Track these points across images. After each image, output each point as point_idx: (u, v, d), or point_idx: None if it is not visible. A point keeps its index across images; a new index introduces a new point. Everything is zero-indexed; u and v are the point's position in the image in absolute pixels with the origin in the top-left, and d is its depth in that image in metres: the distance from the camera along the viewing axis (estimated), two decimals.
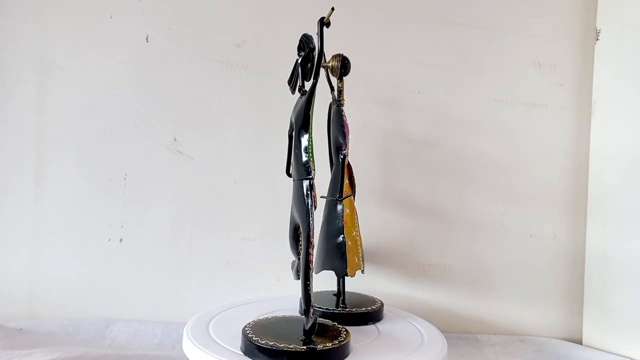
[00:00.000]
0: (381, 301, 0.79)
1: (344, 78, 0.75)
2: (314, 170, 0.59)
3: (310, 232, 0.58)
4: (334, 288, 0.80)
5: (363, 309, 0.75)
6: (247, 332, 0.61)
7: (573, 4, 0.97)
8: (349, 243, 0.73)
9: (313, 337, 0.59)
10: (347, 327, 0.65)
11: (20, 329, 0.83)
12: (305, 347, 0.57)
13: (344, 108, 0.76)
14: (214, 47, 0.92)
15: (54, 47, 0.90)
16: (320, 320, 0.65)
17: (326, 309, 0.74)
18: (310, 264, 0.58)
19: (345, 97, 0.76)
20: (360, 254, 0.75)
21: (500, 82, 0.96)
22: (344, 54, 0.74)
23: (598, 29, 0.94)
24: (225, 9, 0.92)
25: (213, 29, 0.92)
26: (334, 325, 0.66)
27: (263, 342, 0.58)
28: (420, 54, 0.95)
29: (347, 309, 0.74)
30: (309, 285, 0.58)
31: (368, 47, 0.90)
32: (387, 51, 0.94)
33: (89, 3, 0.90)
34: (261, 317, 0.68)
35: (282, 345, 0.57)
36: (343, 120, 0.74)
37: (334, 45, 0.89)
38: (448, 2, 0.96)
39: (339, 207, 0.74)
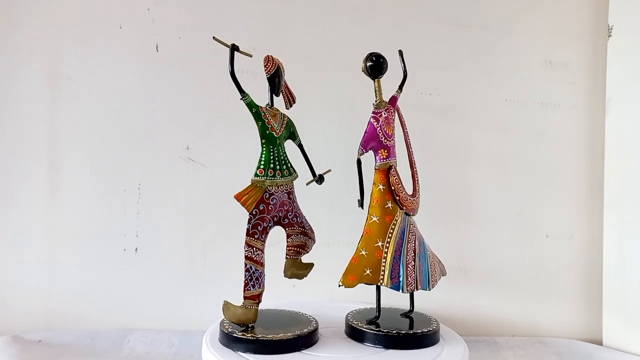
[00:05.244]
0: (436, 323, 0.73)
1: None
2: (259, 176, 0.67)
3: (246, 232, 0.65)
4: (417, 305, 0.78)
5: (376, 329, 0.69)
6: (224, 321, 0.68)
7: (584, 0, 0.96)
8: (362, 253, 0.69)
9: (268, 327, 0.66)
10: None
11: (39, 341, 0.83)
12: (228, 330, 0.64)
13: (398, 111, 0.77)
14: (224, 54, 0.91)
15: (64, 59, 0.90)
16: (296, 312, 0.74)
17: (355, 323, 0.72)
18: (246, 260, 0.64)
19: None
20: (382, 268, 0.68)
21: (511, 81, 0.96)
22: (378, 52, 0.74)
23: (610, 25, 0.93)
24: (234, 17, 0.92)
25: (222, 37, 0.91)
26: (308, 318, 0.72)
27: (226, 326, 0.66)
28: (431, 56, 0.94)
29: (364, 327, 0.70)
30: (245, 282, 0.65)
31: (378, 49, 0.89)
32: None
33: (98, 14, 0.90)
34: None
35: (229, 327, 0.65)
36: (369, 121, 0.71)
37: (345, 49, 0.90)
38: (457, 4, 0.95)
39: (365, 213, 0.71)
